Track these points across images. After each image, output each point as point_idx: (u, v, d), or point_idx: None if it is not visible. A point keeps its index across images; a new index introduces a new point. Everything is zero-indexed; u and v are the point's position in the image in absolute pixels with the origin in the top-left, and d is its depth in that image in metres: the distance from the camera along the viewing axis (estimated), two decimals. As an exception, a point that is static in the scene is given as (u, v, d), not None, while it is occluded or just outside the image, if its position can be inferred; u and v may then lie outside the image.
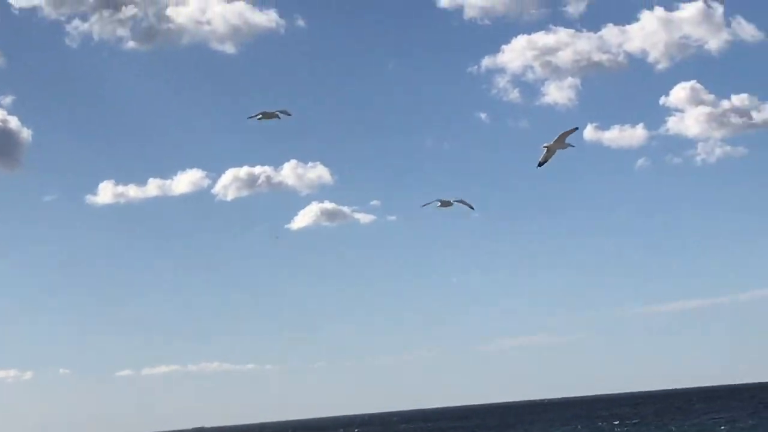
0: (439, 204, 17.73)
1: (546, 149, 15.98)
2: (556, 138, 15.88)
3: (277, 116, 15.49)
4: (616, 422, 79.74)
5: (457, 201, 17.74)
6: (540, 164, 16.08)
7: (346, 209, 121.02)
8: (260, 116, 15.31)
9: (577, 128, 16.26)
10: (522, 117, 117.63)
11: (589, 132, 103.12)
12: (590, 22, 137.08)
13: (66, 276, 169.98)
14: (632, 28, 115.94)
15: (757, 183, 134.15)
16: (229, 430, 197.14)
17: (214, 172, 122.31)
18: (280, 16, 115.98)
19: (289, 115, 15.78)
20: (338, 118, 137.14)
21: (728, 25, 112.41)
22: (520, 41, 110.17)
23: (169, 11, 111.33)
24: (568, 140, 16.02)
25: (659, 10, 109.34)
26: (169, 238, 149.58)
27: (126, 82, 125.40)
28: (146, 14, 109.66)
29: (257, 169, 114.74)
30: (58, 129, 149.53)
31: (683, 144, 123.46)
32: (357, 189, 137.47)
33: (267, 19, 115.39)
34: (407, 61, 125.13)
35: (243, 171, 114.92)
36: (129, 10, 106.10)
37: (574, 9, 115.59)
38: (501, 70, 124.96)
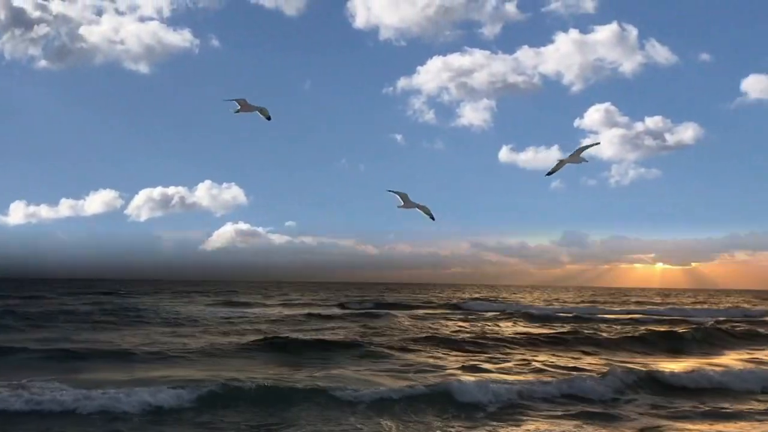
0: (403, 204, 16.54)
1: (559, 161, 15.73)
2: (573, 152, 15.33)
3: (258, 112, 13.81)
4: None
5: (420, 206, 16.61)
6: (549, 173, 16.18)
7: (260, 230, 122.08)
8: (239, 107, 13.49)
9: (599, 143, 16.34)
10: (437, 138, 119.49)
11: (504, 154, 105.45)
12: (505, 44, 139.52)
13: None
14: (547, 50, 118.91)
15: (670, 205, 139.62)
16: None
17: (127, 192, 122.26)
18: (194, 36, 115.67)
19: (269, 119, 13.79)
20: (253, 138, 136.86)
21: (642, 47, 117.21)
22: (435, 63, 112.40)
23: (82, 30, 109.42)
24: (584, 155, 15.70)
25: (574, 32, 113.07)
26: (82, 258, 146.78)
27: (38, 102, 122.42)
28: (59, 33, 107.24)
29: (171, 190, 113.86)
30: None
31: (597, 166, 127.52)
32: (272, 210, 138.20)
33: (181, 38, 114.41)
34: (323, 81, 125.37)
35: (156, 191, 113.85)
36: (41, 29, 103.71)
37: (489, 31, 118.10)
38: (417, 92, 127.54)
